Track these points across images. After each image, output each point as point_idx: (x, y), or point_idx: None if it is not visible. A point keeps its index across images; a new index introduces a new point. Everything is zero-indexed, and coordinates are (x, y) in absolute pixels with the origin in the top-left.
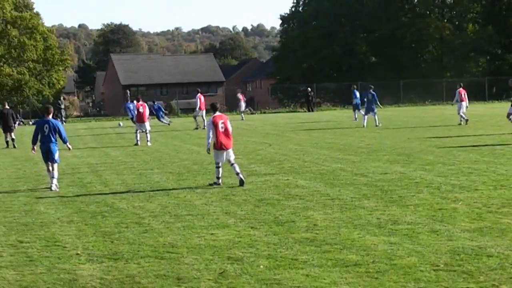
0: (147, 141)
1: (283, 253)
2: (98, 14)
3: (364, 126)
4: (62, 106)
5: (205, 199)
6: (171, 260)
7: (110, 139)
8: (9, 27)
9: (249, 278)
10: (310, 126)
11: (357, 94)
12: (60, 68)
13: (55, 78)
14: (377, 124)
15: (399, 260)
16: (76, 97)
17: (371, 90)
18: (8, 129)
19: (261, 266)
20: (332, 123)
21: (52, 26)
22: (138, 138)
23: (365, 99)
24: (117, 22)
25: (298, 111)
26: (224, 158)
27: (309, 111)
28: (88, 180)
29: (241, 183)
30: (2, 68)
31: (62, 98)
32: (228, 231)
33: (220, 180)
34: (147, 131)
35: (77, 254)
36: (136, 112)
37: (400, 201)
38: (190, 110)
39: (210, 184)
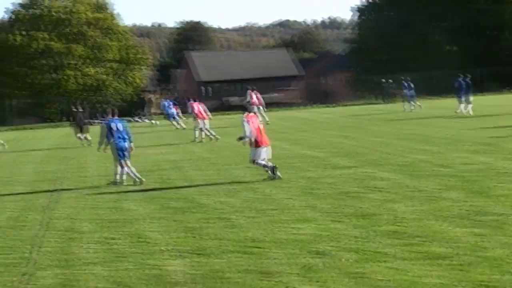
0: (213, 135)
1: (367, 246)
2: (174, 12)
3: (466, 112)
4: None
5: (287, 193)
6: (256, 254)
7: (190, 136)
8: (89, 28)
9: (333, 271)
10: (387, 118)
11: (411, 85)
12: (139, 67)
13: (134, 77)
14: (460, 111)
15: (486, 252)
16: (152, 95)
17: (465, 79)
18: (81, 129)
19: (345, 260)
20: (411, 114)
21: (131, 26)
22: (197, 136)
23: (461, 86)
24: (192, 19)
25: (375, 103)
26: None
27: (385, 102)
28: (171, 177)
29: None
30: (83, 68)
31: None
32: (311, 225)
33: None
34: (205, 129)
35: (164, 249)
36: (195, 110)
37: (484, 192)
38: (268, 105)
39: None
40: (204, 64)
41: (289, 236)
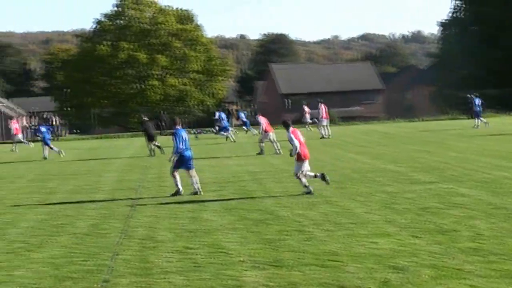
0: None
1: (447, 262)
2: (257, 24)
3: None
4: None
5: (366, 208)
6: (334, 268)
7: (270, 147)
8: (173, 39)
9: (411, 287)
10: (470, 133)
11: (477, 101)
12: (221, 78)
13: (216, 88)
14: None
15: None
16: (234, 106)
17: None
18: (150, 138)
19: (425, 276)
20: (494, 130)
21: (214, 37)
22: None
23: None
24: (275, 32)
25: (459, 119)
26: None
27: (472, 118)
28: (250, 188)
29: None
30: (166, 79)
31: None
32: (390, 240)
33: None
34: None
35: (241, 260)
36: (263, 123)
37: None
38: (349, 119)
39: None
40: (285, 77)
41: (367, 251)
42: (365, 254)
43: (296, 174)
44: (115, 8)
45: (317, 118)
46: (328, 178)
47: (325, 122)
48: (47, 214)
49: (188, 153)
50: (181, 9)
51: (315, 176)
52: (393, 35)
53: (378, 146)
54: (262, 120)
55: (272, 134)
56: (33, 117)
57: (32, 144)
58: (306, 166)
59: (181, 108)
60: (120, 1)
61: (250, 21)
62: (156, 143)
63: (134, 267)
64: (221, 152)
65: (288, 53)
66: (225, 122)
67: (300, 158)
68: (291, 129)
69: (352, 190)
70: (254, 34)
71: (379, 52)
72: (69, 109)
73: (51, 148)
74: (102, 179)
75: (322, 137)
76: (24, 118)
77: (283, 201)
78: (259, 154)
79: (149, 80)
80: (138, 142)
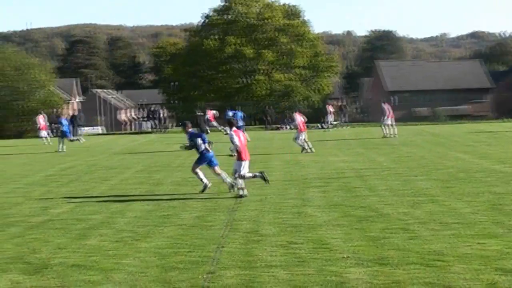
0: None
1: None
2: (364, 21)
3: None
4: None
5: (472, 208)
6: (439, 268)
7: (375, 144)
8: (280, 34)
9: None
10: None
11: None
12: (327, 74)
13: (322, 84)
14: None
15: None
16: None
17: None
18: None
19: None
20: None
21: (321, 33)
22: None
23: None
24: (383, 28)
25: None
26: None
27: None
28: (354, 185)
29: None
30: (272, 74)
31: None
32: (498, 241)
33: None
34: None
35: (345, 257)
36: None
37: None
38: (457, 118)
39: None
40: (391, 74)
41: (473, 252)
42: (472, 255)
43: (236, 173)
44: (223, 3)
45: (382, 118)
46: (268, 177)
47: (389, 121)
48: (153, 205)
49: (210, 153)
50: (288, 5)
51: (254, 176)
52: (503, 33)
53: (485, 146)
54: (298, 118)
55: (304, 134)
56: (141, 109)
57: (82, 140)
58: (245, 167)
59: (286, 103)
60: None
61: (358, 17)
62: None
63: (239, 259)
64: (325, 148)
65: (395, 50)
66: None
67: (240, 158)
68: (234, 128)
69: (458, 189)
70: (361, 30)
71: (488, 50)
72: (175, 102)
73: (71, 140)
74: (208, 171)
75: (384, 136)
76: (132, 110)
77: (388, 199)
78: (303, 151)
79: (255, 75)
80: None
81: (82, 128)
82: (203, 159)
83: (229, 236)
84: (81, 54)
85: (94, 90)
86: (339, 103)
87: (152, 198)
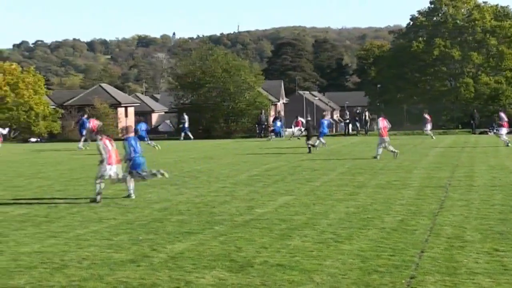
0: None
1: None
2: None
3: None
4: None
5: None
6: None
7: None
8: (488, 36)
9: None
10: None
11: None
12: None
13: None
14: None
15: None
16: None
17: None
18: (307, 137)
19: None
20: None
21: None
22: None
23: None
24: None
25: None
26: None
27: None
28: None
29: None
30: (480, 77)
31: (184, 114)
32: None
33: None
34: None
35: None
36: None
37: None
38: None
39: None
40: None
41: None
42: None
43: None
44: (431, 5)
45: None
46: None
47: (503, 130)
48: (356, 207)
49: (139, 159)
50: (498, 6)
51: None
52: None
53: None
54: (381, 123)
55: (387, 139)
56: (344, 111)
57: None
58: (110, 170)
59: (494, 106)
60: None
61: None
62: (311, 142)
63: (441, 265)
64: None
65: None
66: None
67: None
68: (102, 137)
69: None
70: None
71: None
72: (378, 104)
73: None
74: (411, 175)
75: (507, 145)
76: (336, 112)
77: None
78: (374, 157)
79: (462, 78)
80: (448, 139)
81: (284, 129)
82: (133, 165)
83: (431, 241)
84: (287, 56)
85: (300, 92)
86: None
87: (355, 201)
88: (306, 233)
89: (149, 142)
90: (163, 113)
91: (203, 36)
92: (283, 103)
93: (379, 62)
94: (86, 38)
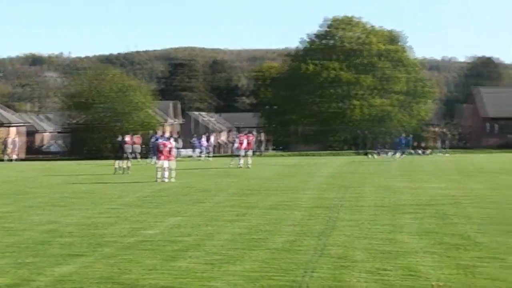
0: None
1: None
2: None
3: None
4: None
5: None
6: None
7: (473, 172)
8: (381, 59)
9: None
10: None
11: None
12: (425, 100)
13: (417, 110)
14: None
15: None
16: (436, 129)
17: None
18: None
19: None
20: None
21: (420, 58)
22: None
23: None
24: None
25: None
26: None
27: None
28: (448, 212)
29: None
30: (369, 99)
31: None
32: None
33: None
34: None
35: (433, 285)
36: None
37: None
38: None
39: None
40: (492, 100)
41: None
42: None
43: None
44: (324, 28)
45: None
46: None
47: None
48: (246, 228)
49: None
50: (390, 30)
51: None
52: None
53: None
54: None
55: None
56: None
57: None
58: None
59: (382, 128)
60: (330, 21)
61: (459, 43)
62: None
63: (330, 285)
64: (421, 175)
65: (497, 76)
66: None
67: None
68: None
69: None
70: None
71: None
72: (273, 125)
73: None
74: (300, 196)
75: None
76: (229, 133)
77: (482, 227)
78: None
79: (351, 100)
80: (338, 160)
81: (180, 150)
82: None
83: (321, 261)
84: (184, 77)
85: (193, 113)
86: (437, 129)
87: (245, 222)
88: (195, 254)
89: None
90: (56, 133)
91: (99, 55)
92: (180, 124)
93: (274, 84)
94: None
